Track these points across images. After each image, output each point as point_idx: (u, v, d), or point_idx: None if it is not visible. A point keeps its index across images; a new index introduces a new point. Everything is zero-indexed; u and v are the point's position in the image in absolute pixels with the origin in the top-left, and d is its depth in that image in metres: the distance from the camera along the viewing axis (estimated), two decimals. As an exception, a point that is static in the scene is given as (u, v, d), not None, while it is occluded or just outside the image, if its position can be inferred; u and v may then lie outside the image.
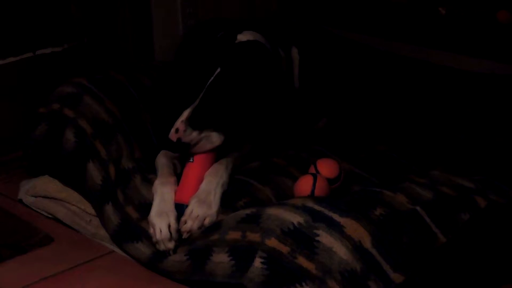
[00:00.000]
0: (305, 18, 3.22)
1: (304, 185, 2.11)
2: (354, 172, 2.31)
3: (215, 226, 2.02)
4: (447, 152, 2.40)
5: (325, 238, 1.81)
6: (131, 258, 2.14)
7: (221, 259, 1.92)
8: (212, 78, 2.13)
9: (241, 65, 2.15)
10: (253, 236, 1.89)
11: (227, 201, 2.11)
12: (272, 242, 1.84)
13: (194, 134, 2.12)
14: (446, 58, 2.88)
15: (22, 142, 2.54)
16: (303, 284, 1.78)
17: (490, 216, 1.99)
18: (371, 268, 1.79)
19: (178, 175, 2.20)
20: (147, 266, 2.10)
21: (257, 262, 1.84)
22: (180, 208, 2.09)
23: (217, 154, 2.19)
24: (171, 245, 2.04)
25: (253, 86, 2.15)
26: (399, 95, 2.73)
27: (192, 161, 2.15)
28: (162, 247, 2.04)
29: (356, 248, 1.80)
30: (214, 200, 2.08)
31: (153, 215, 2.08)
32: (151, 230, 2.06)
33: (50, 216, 2.38)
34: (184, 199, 2.10)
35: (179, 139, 2.11)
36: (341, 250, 1.79)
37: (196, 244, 2.01)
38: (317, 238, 1.81)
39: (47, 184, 2.41)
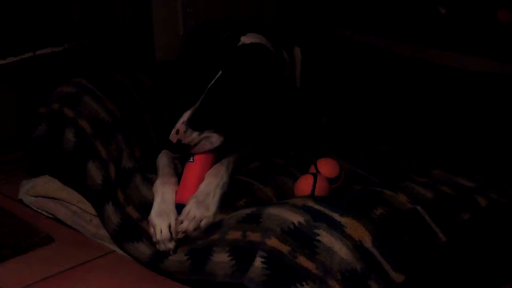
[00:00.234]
0: (304, 18, 3.22)
1: (304, 184, 2.11)
2: (354, 172, 2.31)
3: (216, 225, 2.02)
4: (448, 152, 2.40)
5: (326, 237, 1.81)
6: (132, 258, 2.14)
7: (221, 259, 1.92)
8: (214, 80, 2.13)
9: (243, 68, 2.15)
10: (254, 236, 1.89)
11: (228, 201, 2.11)
12: (272, 242, 1.84)
13: (194, 135, 2.12)
14: (446, 58, 2.88)
15: (22, 142, 2.54)
16: (304, 283, 1.78)
17: (491, 216, 1.99)
18: (372, 267, 1.79)
19: (179, 175, 2.20)
20: (148, 266, 2.09)
21: (258, 262, 1.84)
22: (180, 208, 2.08)
23: (218, 154, 2.19)
24: (171, 245, 2.04)
25: (254, 90, 2.14)
26: (400, 94, 2.73)
27: (193, 161, 2.15)
28: (162, 247, 2.04)
29: (357, 247, 1.80)
30: (213, 202, 2.08)
31: (154, 215, 2.07)
32: (152, 230, 2.06)
33: (50, 216, 2.38)
34: (184, 199, 2.09)
35: (179, 140, 2.11)
36: (341, 250, 1.79)
37: (196, 244, 2.01)
38: (317, 238, 1.81)
39: (48, 184, 2.41)
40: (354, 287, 1.77)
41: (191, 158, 2.15)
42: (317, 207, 1.88)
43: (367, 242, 1.81)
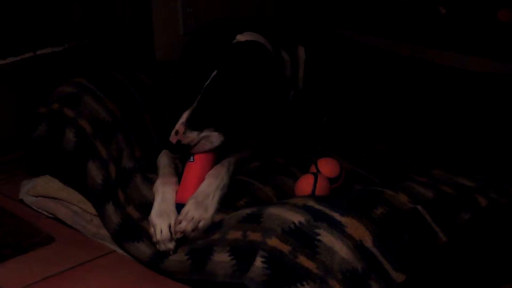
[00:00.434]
0: (304, 18, 3.22)
1: (305, 184, 2.11)
2: (355, 172, 2.31)
3: (216, 225, 2.02)
4: (448, 151, 2.40)
5: (326, 237, 1.81)
6: (132, 258, 2.14)
7: (222, 258, 1.92)
8: (210, 79, 2.13)
9: (238, 66, 2.15)
10: (254, 236, 1.89)
11: (228, 201, 2.11)
12: (273, 242, 1.84)
13: (194, 135, 2.12)
14: (446, 58, 2.88)
15: (22, 142, 2.54)
16: (304, 283, 1.78)
17: (491, 215, 1.99)
18: (372, 267, 1.79)
19: (179, 175, 2.20)
20: (148, 266, 2.09)
21: (258, 262, 1.84)
22: (181, 208, 2.08)
23: (218, 154, 2.19)
24: (171, 245, 2.04)
25: (250, 87, 2.14)
26: (400, 94, 2.74)
27: (193, 161, 2.15)
28: (162, 247, 2.04)
29: (357, 247, 1.80)
30: (212, 203, 2.08)
31: (154, 215, 2.07)
32: (152, 230, 2.06)
33: (51, 215, 2.38)
34: (185, 199, 2.09)
35: (179, 141, 2.11)
36: (342, 250, 1.79)
37: (197, 243, 2.01)
38: (318, 238, 1.81)
39: (48, 184, 2.41)
40: (354, 286, 1.77)
41: (191, 158, 2.15)
42: (317, 206, 1.88)
43: (368, 241, 1.81)
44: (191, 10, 3.04)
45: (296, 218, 1.86)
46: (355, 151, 2.44)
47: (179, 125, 2.12)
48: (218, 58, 2.16)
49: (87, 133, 2.34)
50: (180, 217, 2.04)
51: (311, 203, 1.90)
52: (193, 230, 2.03)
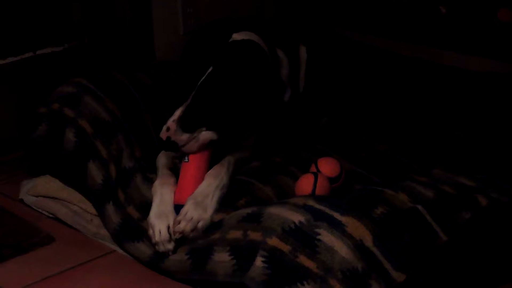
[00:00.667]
0: (304, 17, 3.22)
1: (305, 184, 2.11)
2: (355, 171, 2.31)
3: (216, 225, 2.02)
4: (448, 151, 2.40)
5: (326, 237, 1.81)
6: (132, 258, 2.14)
7: (222, 258, 1.92)
8: (204, 76, 2.13)
9: (232, 64, 2.15)
10: (254, 235, 1.88)
11: (228, 200, 2.11)
12: (273, 241, 1.84)
13: (185, 136, 2.11)
14: (447, 57, 2.88)
15: (22, 142, 2.54)
16: (305, 283, 1.78)
17: (492, 215, 1.99)
18: (373, 267, 1.79)
19: (178, 175, 2.19)
20: (148, 266, 2.09)
21: (258, 261, 1.84)
22: (179, 209, 2.08)
23: (212, 152, 2.18)
24: (170, 246, 2.03)
25: (242, 85, 2.14)
26: (400, 94, 2.74)
27: (188, 161, 2.14)
28: (161, 248, 2.04)
29: (357, 247, 1.80)
30: (211, 203, 2.08)
31: (153, 216, 2.07)
32: (151, 232, 2.06)
33: (51, 215, 2.38)
34: (183, 200, 2.09)
35: (169, 138, 2.11)
36: (342, 249, 1.79)
37: (197, 243, 2.01)
38: (318, 237, 1.81)
39: (48, 184, 2.41)
40: (354, 286, 1.77)
41: (186, 158, 2.15)
42: (317, 206, 1.88)
43: (368, 241, 1.81)
44: (191, 10, 3.04)
45: (296, 217, 1.86)
46: (355, 150, 2.44)
47: (171, 122, 2.12)
48: (214, 56, 2.16)
49: (87, 133, 2.34)
50: (179, 218, 2.04)
51: (311, 202, 1.90)
52: (192, 230, 2.03)
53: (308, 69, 2.50)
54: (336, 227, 1.82)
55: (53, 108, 2.43)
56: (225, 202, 2.10)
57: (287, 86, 2.34)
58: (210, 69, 2.13)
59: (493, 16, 2.75)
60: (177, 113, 2.12)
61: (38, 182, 2.44)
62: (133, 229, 2.15)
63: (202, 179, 2.12)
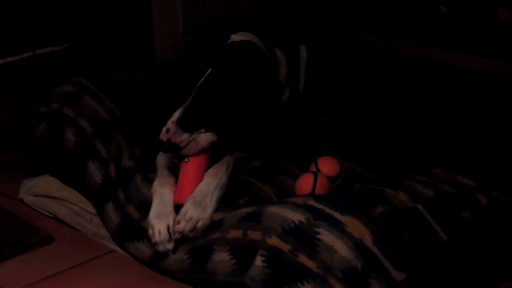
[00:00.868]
0: (304, 17, 3.22)
1: (305, 183, 2.11)
2: (355, 170, 2.31)
3: (216, 224, 2.02)
4: (448, 150, 2.40)
5: (326, 236, 1.81)
6: (132, 257, 2.14)
7: (222, 257, 1.92)
8: (203, 78, 2.13)
9: (231, 65, 2.15)
10: (254, 235, 1.88)
11: (228, 200, 2.11)
12: (273, 241, 1.84)
13: (185, 136, 2.11)
14: (447, 56, 2.88)
15: (22, 142, 2.53)
16: (305, 282, 1.78)
17: (492, 214, 1.99)
18: (372, 266, 1.79)
19: (177, 175, 2.19)
20: (148, 265, 2.09)
21: (258, 261, 1.84)
22: (179, 209, 2.08)
23: (212, 152, 2.18)
24: (170, 246, 2.03)
25: (240, 85, 2.14)
26: (400, 93, 2.73)
27: (187, 161, 2.14)
28: (161, 248, 2.04)
29: (357, 246, 1.80)
30: (210, 203, 2.08)
31: (152, 216, 2.07)
32: (150, 232, 2.06)
33: (51, 215, 2.38)
34: (182, 200, 2.09)
35: (169, 140, 2.11)
36: (342, 248, 1.79)
37: (197, 242, 2.01)
38: (318, 236, 1.81)
39: (48, 184, 2.41)
40: (354, 285, 1.77)
41: (186, 158, 2.14)
42: (317, 205, 1.88)
43: (368, 240, 1.81)
44: (191, 10, 3.04)
45: (296, 217, 1.86)
46: (355, 150, 2.44)
47: (170, 123, 2.11)
48: (213, 58, 2.16)
49: (87, 132, 2.34)
50: (178, 217, 2.04)
51: (311, 202, 1.90)
52: (191, 230, 2.03)
53: (308, 68, 2.50)
54: (336, 226, 1.82)
55: (52, 108, 2.42)
56: (225, 202, 2.10)
57: (285, 86, 2.34)
58: (209, 71, 2.13)
59: (493, 15, 2.75)
60: (176, 114, 2.12)
61: (37, 182, 2.44)
62: (133, 228, 2.15)
63: (201, 178, 2.12)
